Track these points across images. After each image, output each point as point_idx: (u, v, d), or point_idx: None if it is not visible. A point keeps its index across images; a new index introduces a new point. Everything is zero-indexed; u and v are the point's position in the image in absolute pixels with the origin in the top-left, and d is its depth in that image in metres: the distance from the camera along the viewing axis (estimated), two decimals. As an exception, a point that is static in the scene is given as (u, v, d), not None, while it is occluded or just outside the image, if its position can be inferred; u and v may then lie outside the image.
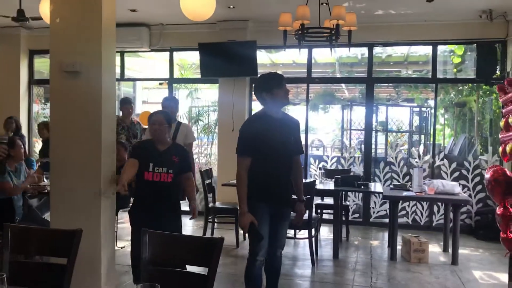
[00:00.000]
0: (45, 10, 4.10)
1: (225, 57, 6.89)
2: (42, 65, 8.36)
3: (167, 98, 5.74)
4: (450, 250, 5.67)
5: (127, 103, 6.37)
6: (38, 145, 8.64)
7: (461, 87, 8.21)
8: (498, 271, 5.03)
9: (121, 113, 6.29)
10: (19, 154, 4.72)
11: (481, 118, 8.39)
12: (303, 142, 3.95)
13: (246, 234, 3.55)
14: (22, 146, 4.87)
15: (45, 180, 5.43)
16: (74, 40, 3.59)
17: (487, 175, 4.00)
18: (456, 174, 6.87)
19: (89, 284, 3.41)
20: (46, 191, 5.02)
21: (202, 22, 6.88)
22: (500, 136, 4.09)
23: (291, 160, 3.42)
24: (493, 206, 6.71)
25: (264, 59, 8.81)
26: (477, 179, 6.79)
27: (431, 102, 10.08)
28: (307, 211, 4.71)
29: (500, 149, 4.04)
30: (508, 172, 3.94)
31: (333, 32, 4.93)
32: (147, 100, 11.67)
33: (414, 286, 4.57)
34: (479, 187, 6.77)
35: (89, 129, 3.56)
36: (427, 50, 8.17)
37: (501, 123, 4.06)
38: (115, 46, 3.74)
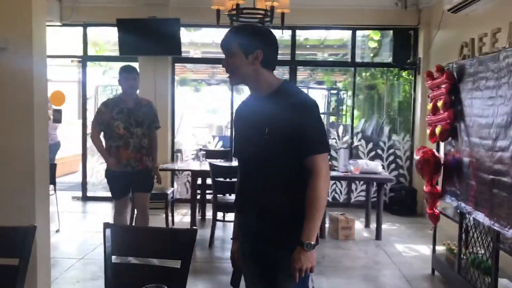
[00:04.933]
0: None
1: (146, 34, 6.59)
2: None
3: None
4: (371, 226, 6.03)
5: (128, 72, 4.32)
6: None
7: (373, 71, 8.62)
8: (418, 243, 5.45)
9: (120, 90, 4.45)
10: None
11: (390, 100, 8.92)
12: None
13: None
14: None
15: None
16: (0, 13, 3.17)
17: (417, 156, 4.26)
18: (372, 153, 7.27)
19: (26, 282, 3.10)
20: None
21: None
22: (427, 119, 4.36)
23: (275, 169, 2.05)
24: (405, 183, 7.24)
25: (182, 37, 8.54)
26: (391, 158, 7.26)
27: (340, 85, 10.55)
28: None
29: (428, 131, 4.31)
30: (436, 153, 4.23)
31: (268, 14, 4.91)
32: (57, 79, 10.81)
33: (348, 262, 4.79)
34: (392, 166, 7.24)
35: (20, 113, 3.20)
36: (343, 34, 8.49)
37: (429, 107, 4.33)
38: (45, 19, 3.37)
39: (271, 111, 2.04)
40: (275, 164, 2.05)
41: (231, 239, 2.35)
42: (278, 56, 2.14)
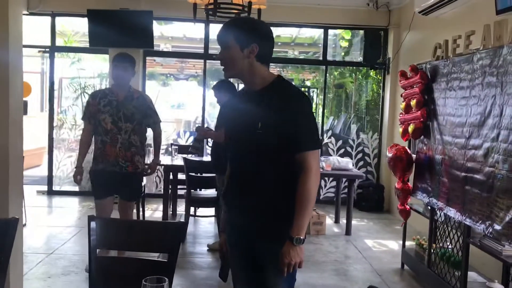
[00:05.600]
0: None
1: (118, 26, 6.47)
2: None
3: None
4: (341, 222, 6.15)
5: (118, 61, 3.96)
6: None
7: (342, 70, 8.77)
8: (386, 239, 5.59)
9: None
10: None
11: (358, 99, 9.10)
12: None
13: None
14: None
15: None
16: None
17: (390, 154, 4.37)
18: (342, 151, 7.40)
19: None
20: None
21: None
22: (400, 117, 4.48)
23: (266, 164, 2.05)
24: (372, 180, 7.40)
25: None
26: (360, 155, 7.41)
27: (307, 83, 10.68)
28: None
29: (401, 129, 4.42)
30: (408, 151, 4.35)
31: (245, 9, 4.91)
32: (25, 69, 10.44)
33: (320, 256, 4.86)
34: (361, 163, 7.39)
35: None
36: (314, 32, 8.58)
37: (402, 106, 4.45)
38: (21, 9, 3.26)
39: (264, 106, 2.04)
40: (266, 159, 2.05)
41: (220, 232, 2.36)
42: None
